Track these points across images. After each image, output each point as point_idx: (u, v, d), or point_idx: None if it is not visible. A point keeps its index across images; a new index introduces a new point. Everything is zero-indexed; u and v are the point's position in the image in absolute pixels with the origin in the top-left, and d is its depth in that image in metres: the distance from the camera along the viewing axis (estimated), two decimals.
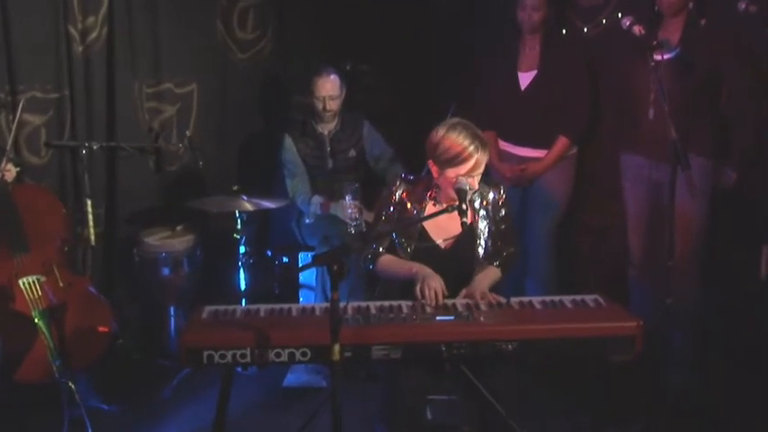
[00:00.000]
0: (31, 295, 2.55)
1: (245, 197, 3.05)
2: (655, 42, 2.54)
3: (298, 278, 3.32)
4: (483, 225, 2.30)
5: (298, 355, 1.99)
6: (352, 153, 3.33)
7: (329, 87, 3.20)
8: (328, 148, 3.31)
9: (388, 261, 2.31)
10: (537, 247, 3.14)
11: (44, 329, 2.53)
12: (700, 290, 2.76)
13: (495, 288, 2.27)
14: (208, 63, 3.44)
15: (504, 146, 3.18)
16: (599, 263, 3.31)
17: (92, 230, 2.96)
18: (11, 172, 2.57)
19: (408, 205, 2.32)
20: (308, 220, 3.29)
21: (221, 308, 2.18)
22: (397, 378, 2.10)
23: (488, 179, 2.36)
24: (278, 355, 1.98)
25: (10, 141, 2.69)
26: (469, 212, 2.14)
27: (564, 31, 3.07)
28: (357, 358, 1.99)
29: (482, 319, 2.07)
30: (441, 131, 2.19)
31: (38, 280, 2.57)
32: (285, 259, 3.37)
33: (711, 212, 2.73)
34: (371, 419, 2.31)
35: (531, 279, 3.17)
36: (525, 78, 3.07)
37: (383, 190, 2.44)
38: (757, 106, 2.67)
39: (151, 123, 3.29)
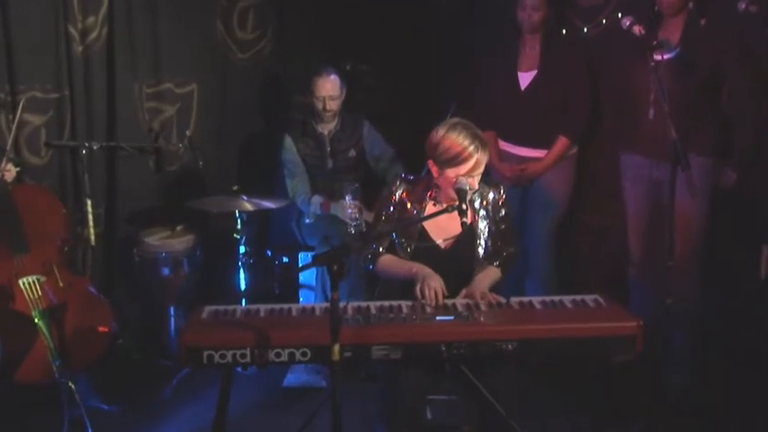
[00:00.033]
0: (31, 295, 2.55)
1: (245, 197, 3.05)
2: (655, 42, 2.54)
3: (298, 278, 3.32)
4: (483, 225, 2.30)
5: (298, 355, 1.99)
6: (352, 153, 3.33)
7: (329, 87, 3.20)
8: (328, 148, 3.30)
9: (388, 261, 2.30)
10: (537, 246, 3.14)
11: (44, 329, 2.53)
12: (700, 290, 2.75)
13: (495, 288, 2.27)
14: (208, 63, 3.43)
15: (504, 146, 3.18)
16: (599, 263, 3.30)
17: (92, 230, 2.97)
18: (11, 172, 2.58)
19: (408, 205, 2.32)
20: (308, 220, 3.29)
21: (221, 308, 2.18)
22: (397, 378, 2.10)
23: (488, 179, 2.36)
24: (278, 355, 1.98)
25: (10, 141, 2.68)
26: (469, 212, 2.14)
27: (564, 31, 3.06)
28: (357, 358, 1.99)
29: (482, 319, 2.07)
30: (440, 131, 2.19)
31: (38, 280, 2.57)
32: (285, 259, 3.37)
33: (711, 212, 2.73)
34: (371, 419, 2.31)
35: (531, 279, 3.17)
36: (525, 78, 3.07)
37: (383, 190, 2.44)
38: (757, 106, 2.66)
39: (151, 123, 3.29)
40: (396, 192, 2.32)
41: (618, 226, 3.03)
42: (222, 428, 2.15)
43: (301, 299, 3.30)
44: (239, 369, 2.54)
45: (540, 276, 3.16)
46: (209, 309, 2.17)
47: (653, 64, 2.47)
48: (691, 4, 2.62)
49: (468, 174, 2.16)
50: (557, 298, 2.21)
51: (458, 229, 2.24)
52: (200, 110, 3.42)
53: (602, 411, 2.64)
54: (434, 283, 2.17)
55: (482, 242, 2.30)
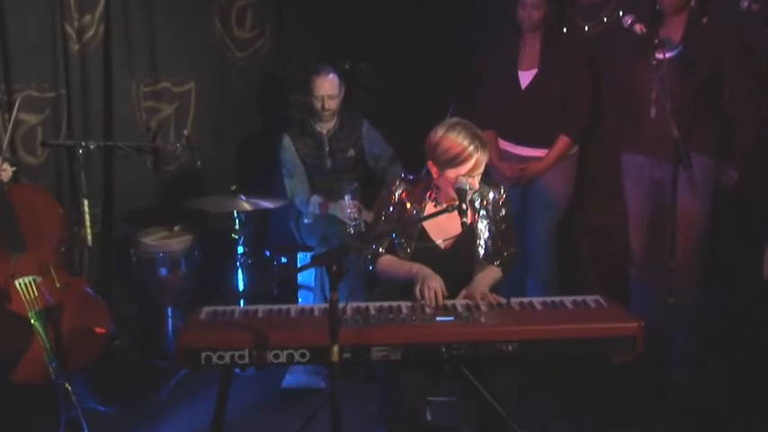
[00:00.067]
0: (28, 296, 2.54)
1: (243, 197, 3.03)
2: (656, 41, 2.53)
3: (296, 279, 3.31)
4: (483, 225, 2.30)
5: (296, 356, 1.98)
6: (351, 152, 3.32)
7: (328, 86, 3.19)
8: (327, 148, 3.29)
9: (387, 262, 2.30)
10: (537, 247, 3.13)
11: (41, 330, 2.52)
12: (701, 289, 2.75)
13: (495, 288, 2.26)
14: (206, 62, 3.41)
15: (505, 145, 3.17)
16: (600, 263, 3.30)
17: (89, 230, 2.95)
18: (7, 171, 2.56)
19: (408, 205, 2.31)
20: (306, 220, 3.27)
21: (219, 308, 2.17)
22: (396, 379, 2.09)
23: (488, 179, 2.35)
24: (276, 356, 1.97)
25: (6, 141, 2.67)
26: (469, 212, 2.14)
27: (565, 30, 3.05)
28: (356, 359, 1.98)
29: (482, 319, 2.06)
30: (440, 132, 2.18)
31: (34, 280, 2.56)
32: (284, 259, 3.35)
33: (713, 212, 2.72)
34: (371, 421, 2.30)
35: (532, 279, 3.16)
36: (526, 77, 3.06)
37: (382, 190, 2.44)
38: (757, 106, 2.66)
39: (149, 123, 3.27)
40: (395, 192, 2.32)
41: (619, 226, 3.03)
42: (220, 430, 2.14)
43: (300, 299, 3.29)
44: (237, 370, 2.54)
45: (541, 277, 3.15)
46: (207, 309, 2.16)
47: (654, 63, 2.47)
48: (692, 3, 2.61)
49: (469, 174, 2.16)
50: (557, 298, 2.20)
51: (458, 230, 2.23)
52: (198, 109, 3.40)
53: (602, 412, 2.63)
54: (434, 284, 2.16)
55: (482, 242, 2.29)
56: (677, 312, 2.46)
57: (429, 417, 2.29)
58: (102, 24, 3.05)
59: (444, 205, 2.20)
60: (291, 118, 3.52)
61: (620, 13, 2.56)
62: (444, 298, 2.16)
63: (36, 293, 2.54)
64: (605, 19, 2.72)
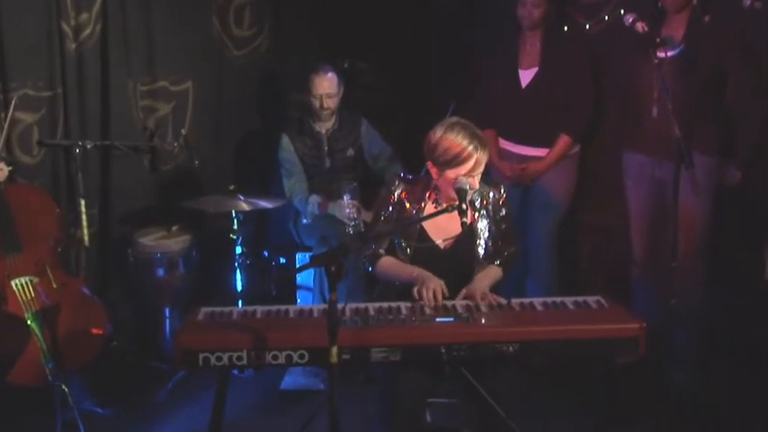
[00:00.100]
0: (24, 297, 2.52)
1: (241, 197, 3.02)
2: (658, 39, 2.52)
3: (295, 279, 3.30)
4: (483, 225, 2.29)
5: (295, 358, 1.96)
6: (351, 152, 3.30)
7: (326, 85, 3.18)
8: (326, 147, 3.28)
9: (387, 264, 2.29)
10: (538, 247, 3.12)
11: (37, 331, 2.51)
12: (704, 289, 2.74)
13: (495, 288, 2.25)
14: (203, 60, 3.40)
15: (505, 144, 3.16)
16: (601, 263, 3.29)
17: (85, 231, 2.93)
18: (3, 171, 2.55)
19: (407, 205, 2.30)
20: (305, 221, 3.26)
21: (217, 309, 2.15)
22: (396, 381, 2.08)
23: (489, 178, 2.35)
24: (275, 357, 1.96)
25: (2, 140, 2.65)
26: (469, 212, 2.12)
27: (565, 28, 3.04)
28: (355, 360, 1.97)
29: (482, 320, 2.05)
30: (438, 132, 2.17)
31: (31, 281, 2.55)
32: (282, 260, 3.35)
33: (715, 211, 2.71)
34: (370, 423, 2.29)
35: (533, 280, 3.15)
36: (526, 76, 3.05)
37: (382, 189, 2.42)
38: (760, 105, 2.64)
39: (146, 122, 3.25)
40: (394, 191, 2.31)
41: (620, 226, 3.02)
42: None
43: (299, 300, 3.28)
44: (235, 371, 2.53)
45: (542, 277, 3.14)
46: (204, 310, 2.15)
47: (656, 61, 2.45)
48: (694, 1, 2.60)
49: (469, 174, 2.15)
50: (558, 299, 2.19)
51: (458, 229, 2.22)
52: (196, 108, 3.38)
53: (604, 413, 2.63)
54: (433, 285, 2.15)
55: (482, 242, 2.28)
56: (679, 312, 2.45)
57: (429, 418, 2.27)
58: (98, 23, 3.03)
59: (444, 205, 2.19)
60: (290, 117, 3.50)
61: (622, 11, 2.53)
62: (444, 299, 2.14)
63: (32, 294, 2.53)
64: (606, 17, 2.70)
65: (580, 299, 2.18)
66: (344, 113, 3.30)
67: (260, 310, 2.15)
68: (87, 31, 3.01)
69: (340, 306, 1.83)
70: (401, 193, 2.30)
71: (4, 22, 2.78)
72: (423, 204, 2.28)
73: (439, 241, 2.27)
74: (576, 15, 3.11)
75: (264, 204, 3.06)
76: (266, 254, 3.38)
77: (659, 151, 2.65)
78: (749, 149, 2.66)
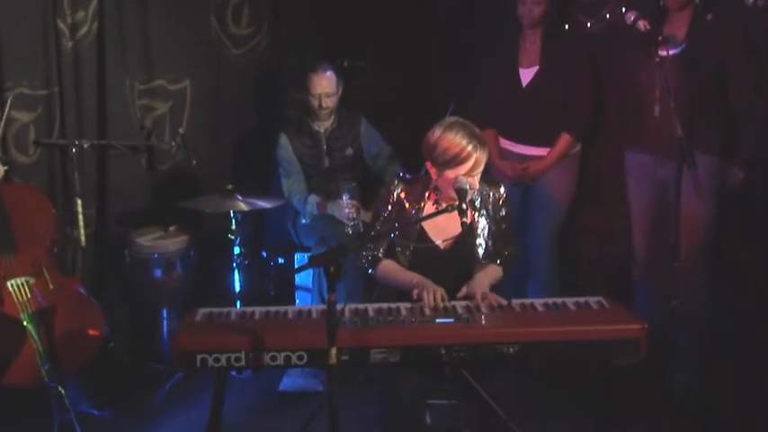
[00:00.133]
0: (20, 298, 2.51)
1: (239, 197, 3.01)
2: (660, 38, 2.50)
3: (294, 280, 3.29)
4: (483, 225, 2.28)
5: (294, 359, 1.95)
6: (349, 151, 3.29)
7: (325, 84, 3.16)
8: (325, 147, 3.27)
9: (387, 268, 2.28)
10: (539, 248, 3.11)
11: (33, 333, 2.49)
12: (707, 290, 2.73)
13: (495, 289, 2.24)
14: (201, 59, 3.38)
15: (506, 144, 3.15)
16: (603, 263, 3.28)
17: (82, 231, 2.92)
18: None
19: (407, 205, 2.29)
20: (304, 221, 3.25)
21: (215, 310, 2.15)
22: (395, 382, 2.07)
23: (489, 178, 2.33)
24: (273, 358, 1.95)
25: None
26: (469, 212, 2.11)
27: (566, 27, 3.03)
28: (355, 362, 1.96)
29: (483, 321, 2.04)
30: (437, 132, 2.16)
31: (27, 282, 2.53)
32: (281, 260, 3.34)
33: (718, 211, 2.70)
34: (369, 424, 2.31)
35: (533, 280, 3.14)
36: (527, 74, 3.04)
37: (381, 189, 2.41)
38: (763, 104, 2.63)
39: (143, 121, 3.23)
40: (394, 191, 2.30)
41: (622, 226, 3.00)
42: None
43: (297, 301, 3.27)
44: (234, 373, 2.52)
45: (543, 278, 3.13)
46: (202, 311, 2.14)
47: (658, 60, 2.43)
48: None
49: (468, 173, 2.14)
50: (559, 300, 2.18)
51: (457, 230, 2.21)
52: (194, 107, 3.37)
53: (604, 414, 2.62)
54: (434, 288, 2.15)
55: (482, 242, 2.27)
56: (681, 313, 2.44)
57: (428, 420, 2.26)
58: (95, 21, 3.02)
59: (444, 205, 2.18)
60: (288, 116, 3.50)
61: (623, 9, 2.52)
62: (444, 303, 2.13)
63: (28, 295, 2.52)
64: (608, 15, 2.69)
65: (581, 300, 2.17)
66: (343, 112, 3.29)
67: (258, 310, 2.14)
68: (84, 30, 2.99)
69: (339, 307, 1.82)
70: (401, 192, 2.29)
71: (0, 20, 2.76)
72: (422, 204, 2.27)
73: (438, 241, 2.26)
74: (578, 14, 3.10)
75: (263, 204, 3.05)
76: (265, 254, 3.37)
77: (661, 151, 2.63)
78: (752, 149, 2.65)
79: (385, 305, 2.14)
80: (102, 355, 2.75)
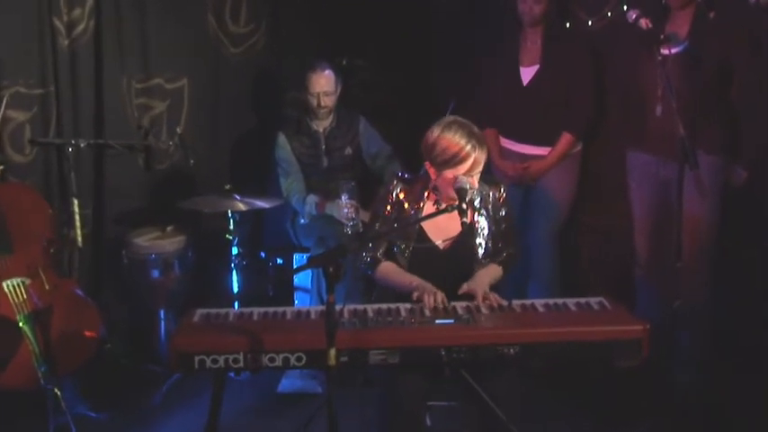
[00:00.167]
0: (16, 299, 2.49)
1: (237, 196, 2.99)
2: (662, 36, 2.50)
3: (292, 280, 3.28)
4: (483, 225, 2.27)
5: (292, 360, 1.94)
6: (348, 151, 3.27)
7: (324, 83, 3.15)
8: (323, 146, 3.25)
9: (387, 270, 2.27)
10: (540, 248, 3.09)
11: (29, 334, 2.48)
12: (709, 290, 2.72)
13: (496, 289, 2.23)
14: (199, 57, 3.37)
15: (506, 143, 3.14)
16: (604, 264, 3.27)
17: (78, 231, 2.90)
18: None
19: (406, 205, 2.28)
20: (302, 221, 3.23)
21: (213, 311, 2.14)
22: (395, 383, 2.05)
23: (488, 178, 2.33)
24: (272, 359, 1.94)
25: None
26: (469, 212, 2.10)
27: (567, 25, 3.01)
28: (354, 363, 1.95)
29: (483, 322, 2.02)
30: (436, 132, 2.15)
31: (22, 283, 2.52)
32: (279, 261, 3.32)
33: (722, 212, 2.69)
34: (369, 426, 2.26)
35: (534, 281, 3.13)
36: (527, 73, 3.03)
37: (380, 189, 2.40)
38: (766, 103, 2.61)
39: (140, 120, 3.22)
40: (393, 191, 2.29)
41: (624, 226, 2.99)
42: None
43: (296, 302, 3.26)
44: (232, 374, 2.50)
45: (544, 278, 3.11)
46: (200, 312, 2.13)
47: (660, 58, 2.43)
48: None
49: (467, 173, 2.13)
50: (560, 300, 2.17)
51: (457, 230, 2.20)
52: (192, 106, 3.35)
53: (605, 415, 2.61)
54: (434, 291, 2.14)
55: (482, 242, 2.26)
56: (683, 313, 2.43)
57: (428, 422, 2.25)
58: (92, 19, 3.00)
59: (444, 205, 2.17)
60: (287, 115, 3.49)
61: (625, 7, 2.51)
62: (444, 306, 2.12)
63: (24, 296, 2.50)
64: (609, 13, 2.66)
65: (582, 300, 2.16)
66: (342, 112, 3.27)
67: (256, 311, 2.13)
68: (80, 28, 2.97)
69: (338, 307, 1.81)
70: (400, 192, 2.28)
71: None
72: (421, 204, 2.26)
73: (438, 242, 2.25)
74: (579, 12, 3.08)
75: (261, 204, 3.03)
76: (263, 255, 3.36)
77: (663, 150, 2.63)
78: (755, 148, 2.64)
79: (384, 306, 2.12)
80: (98, 356, 2.74)
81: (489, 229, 2.26)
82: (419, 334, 1.98)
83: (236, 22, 3.47)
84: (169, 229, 3.18)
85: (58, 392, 2.46)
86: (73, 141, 2.90)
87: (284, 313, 2.11)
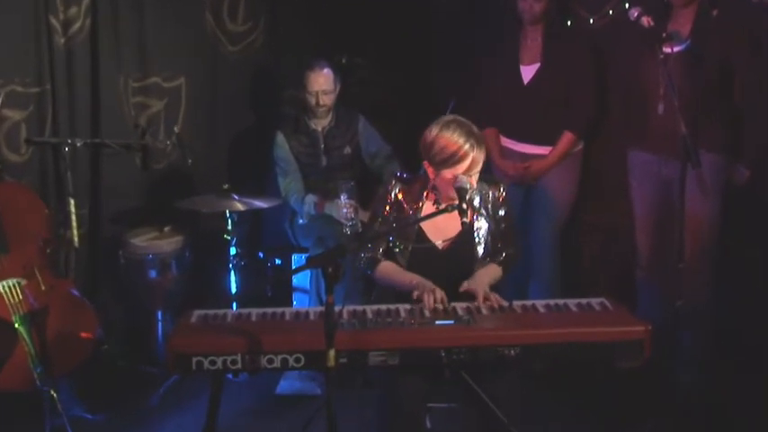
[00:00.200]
0: (12, 299, 2.48)
1: (235, 196, 2.98)
2: (664, 34, 2.48)
3: (291, 281, 3.27)
4: (483, 224, 2.26)
5: (291, 361, 1.93)
6: (347, 150, 3.26)
7: (322, 82, 3.13)
8: (322, 145, 3.24)
9: (386, 270, 2.26)
10: (541, 248, 3.08)
11: (25, 335, 2.46)
12: (711, 289, 2.71)
13: (496, 289, 2.22)
14: (197, 56, 3.35)
15: (507, 143, 3.13)
16: (605, 263, 3.26)
17: (75, 231, 2.89)
18: None
19: (405, 205, 2.27)
20: (301, 221, 3.22)
21: (211, 312, 2.13)
22: (394, 385, 2.05)
23: (488, 177, 2.32)
24: (270, 361, 1.93)
25: None
26: (469, 212, 2.09)
27: (569, 23, 3.00)
28: (353, 364, 1.94)
29: (483, 323, 2.02)
30: (434, 131, 2.15)
31: (18, 283, 2.50)
32: (278, 261, 3.31)
33: (724, 211, 2.68)
34: (368, 428, 2.26)
35: (535, 282, 3.12)
36: (528, 72, 3.01)
37: (379, 188, 2.39)
38: (767, 101, 2.60)
39: (137, 119, 3.20)
40: (392, 191, 2.28)
41: (626, 225, 2.98)
42: None
43: (295, 302, 3.25)
44: (230, 376, 2.48)
45: (545, 278, 3.10)
46: (198, 313, 2.12)
47: (662, 57, 2.41)
48: None
49: (466, 173, 2.12)
50: (561, 301, 2.16)
51: (456, 229, 2.19)
52: (189, 105, 3.33)
53: (607, 416, 2.61)
54: (434, 289, 2.12)
55: (482, 242, 2.25)
56: (685, 312, 2.42)
57: (428, 424, 2.23)
58: (88, 17, 2.98)
59: (444, 205, 2.16)
60: (285, 114, 3.47)
61: (627, 5, 2.50)
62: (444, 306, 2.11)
63: (20, 297, 2.49)
64: (611, 11, 2.65)
65: (583, 301, 2.15)
66: (341, 110, 3.26)
67: (255, 312, 2.12)
68: (77, 26, 2.95)
69: (337, 308, 1.80)
70: (399, 192, 2.27)
71: None
72: (420, 204, 2.26)
73: (437, 242, 2.24)
74: (580, 10, 3.07)
75: (259, 204, 3.02)
76: (261, 255, 3.34)
77: (665, 149, 2.62)
78: (756, 148, 2.63)
79: (384, 307, 2.11)
80: (95, 357, 2.73)
81: (489, 228, 2.26)
82: (419, 335, 1.97)
83: (234, 21, 3.46)
84: (166, 229, 3.16)
85: (55, 394, 2.45)
86: (69, 140, 2.89)
87: (283, 314, 2.10)
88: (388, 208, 2.27)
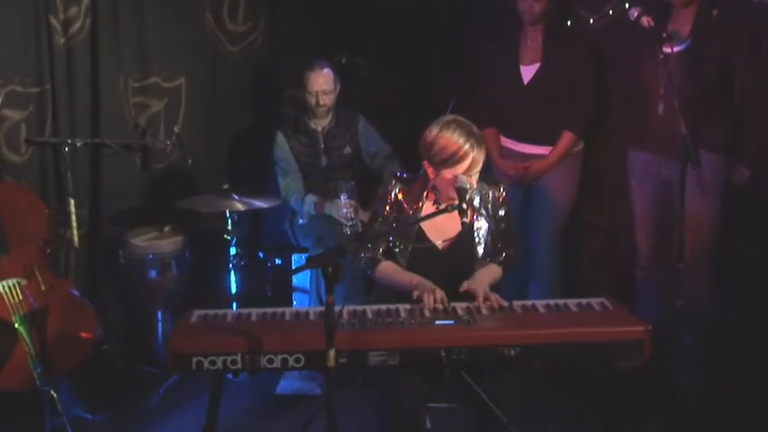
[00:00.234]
0: (12, 299, 2.48)
1: (235, 196, 2.98)
2: (664, 34, 2.48)
3: (291, 281, 3.26)
4: (483, 224, 2.26)
5: (291, 362, 1.93)
6: (347, 150, 3.26)
7: (322, 82, 3.13)
8: (322, 145, 3.24)
9: (386, 270, 2.26)
10: (541, 248, 3.08)
11: (25, 335, 2.46)
12: (711, 289, 2.71)
13: (496, 289, 2.22)
14: (197, 56, 3.35)
15: (507, 143, 3.12)
16: (605, 264, 3.26)
17: (75, 231, 2.89)
18: None
19: (405, 205, 2.27)
20: (301, 221, 3.22)
21: (211, 312, 2.13)
22: (394, 385, 2.04)
23: (488, 177, 2.32)
24: (270, 361, 1.93)
25: None
26: (469, 212, 2.09)
27: (569, 23, 3.00)
28: (353, 364, 1.94)
29: (483, 323, 2.01)
30: (434, 131, 2.15)
31: (18, 283, 2.50)
32: (278, 261, 3.31)
33: (723, 211, 2.68)
34: (368, 428, 2.26)
35: (535, 282, 3.11)
36: (528, 72, 3.01)
37: (379, 188, 2.39)
38: (766, 101, 2.60)
39: (137, 119, 3.20)
40: (391, 191, 2.28)
41: (626, 225, 2.98)
42: None
43: (295, 302, 3.25)
44: (230, 376, 2.48)
45: (545, 278, 3.10)
46: (198, 313, 2.12)
47: (662, 57, 2.41)
48: None
49: (466, 173, 2.12)
50: (561, 301, 2.16)
51: (456, 230, 2.19)
52: (189, 105, 3.33)
53: (607, 417, 2.60)
54: (434, 288, 2.12)
55: (482, 242, 2.25)
56: (685, 312, 2.41)
57: (428, 424, 2.23)
58: (88, 17, 2.98)
59: (444, 205, 2.16)
60: (285, 114, 3.47)
61: (627, 5, 2.50)
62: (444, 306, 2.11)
63: (20, 297, 2.49)
64: (611, 11, 2.65)
65: (583, 301, 2.15)
66: (341, 110, 3.26)
67: (255, 312, 2.12)
68: (77, 26, 2.95)
69: (337, 308, 1.80)
70: (398, 192, 2.27)
71: None
72: (420, 204, 2.26)
73: (437, 242, 2.24)
74: (580, 10, 3.07)
75: (259, 204, 3.02)
76: (261, 255, 3.34)
77: (665, 149, 2.61)
78: (756, 148, 2.63)
79: (384, 307, 2.11)
80: (95, 357, 2.72)
81: (489, 228, 2.26)
82: (419, 335, 1.96)
83: (234, 21, 3.45)
84: (166, 229, 3.16)
85: (55, 394, 2.45)
86: (69, 140, 2.89)
87: (283, 314, 2.10)
88: (388, 208, 2.27)
